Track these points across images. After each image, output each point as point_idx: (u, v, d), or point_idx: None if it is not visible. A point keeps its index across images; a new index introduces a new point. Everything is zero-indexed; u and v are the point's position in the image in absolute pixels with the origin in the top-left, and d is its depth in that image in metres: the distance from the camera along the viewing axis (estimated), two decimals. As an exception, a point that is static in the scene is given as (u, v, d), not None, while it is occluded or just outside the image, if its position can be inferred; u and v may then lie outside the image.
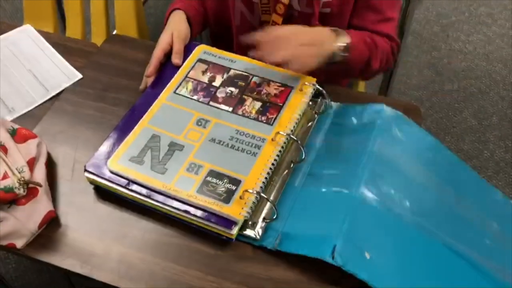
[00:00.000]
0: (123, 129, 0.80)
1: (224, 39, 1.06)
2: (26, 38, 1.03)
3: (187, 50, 0.92)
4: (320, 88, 0.85)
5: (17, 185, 0.69)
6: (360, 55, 0.89)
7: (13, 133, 0.79)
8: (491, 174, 1.74)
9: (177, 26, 0.92)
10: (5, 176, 0.71)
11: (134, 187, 0.74)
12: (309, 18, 0.93)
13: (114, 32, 1.40)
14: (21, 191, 0.69)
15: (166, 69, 0.90)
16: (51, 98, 0.92)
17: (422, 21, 2.29)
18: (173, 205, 0.72)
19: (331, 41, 0.84)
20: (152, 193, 0.73)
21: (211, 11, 1.02)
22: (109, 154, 0.77)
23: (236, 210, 0.70)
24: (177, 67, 0.89)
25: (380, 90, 1.74)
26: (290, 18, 0.95)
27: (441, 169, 0.83)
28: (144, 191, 0.73)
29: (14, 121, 0.88)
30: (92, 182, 0.77)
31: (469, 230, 0.79)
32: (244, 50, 0.92)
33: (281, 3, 0.92)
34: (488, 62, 2.11)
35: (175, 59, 0.89)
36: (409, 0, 1.54)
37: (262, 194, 0.71)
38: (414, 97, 1.95)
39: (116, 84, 0.93)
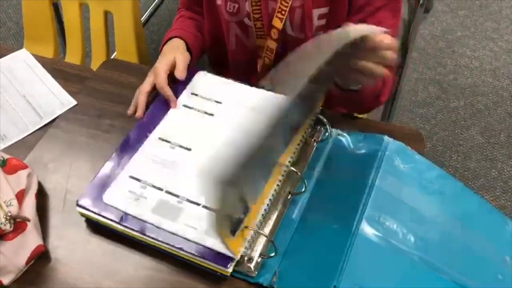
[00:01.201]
0: (117, 162, 0.78)
1: (223, 64, 1.04)
2: (22, 63, 1.02)
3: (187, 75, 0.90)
4: (321, 117, 0.83)
5: (3, 220, 0.67)
6: (374, 89, 0.87)
7: (3, 164, 0.77)
8: (499, 193, 1.70)
9: (177, 52, 0.89)
10: (-8, 210, 0.69)
11: (128, 221, 0.71)
12: (303, 43, 0.92)
13: (114, 54, 1.39)
14: (8, 227, 0.67)
15: (160, 101, 0.87)
16: (44, 125, 0.91)
17: (427, 37, 2.26)
18: (167, 241, 0.69)
19: None
20: (146, 227, 0.70)
21: (208, 36, 1.01)
22: (102, 189, 0.74)
23: (234, 246, 0.67)
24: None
25: (384, 109, 1.71)
26: (285, 42, 0.94)
27: (448, 201, 0.79)
28: (137, 226, 0.71)
29: (5, 149, 0.86)
30: (83, 215, 0.75)
31: (480, 265, 0.75)
32: (240, 75, 0.91)
33: (275, 28, 0.91)
34: (495, 78, 2.07)
35: (180, 73, 0.86)
36: (413, 16, 1.53)
37: (262, 232, 0.69)
38: (419, 115, 1.92)
39: (111, 111, 0.92)
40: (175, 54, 0.88)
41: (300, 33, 0.92)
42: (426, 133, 1.86)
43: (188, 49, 0.94)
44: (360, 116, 0.98)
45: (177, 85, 0.89)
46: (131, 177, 0.76)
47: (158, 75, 0.85)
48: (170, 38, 0.94)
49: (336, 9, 0.89)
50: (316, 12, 0.88)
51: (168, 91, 0.85)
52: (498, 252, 0.78)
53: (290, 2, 0.87)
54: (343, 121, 0.89)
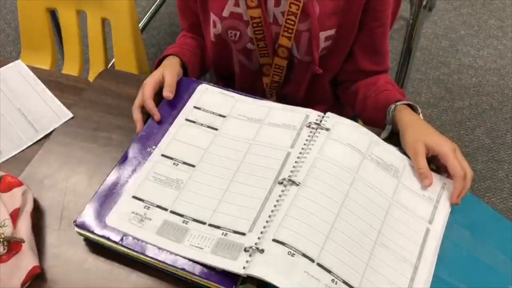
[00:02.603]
0: (117, 179, 0.76)
1: (228, 78, 1.03)
2: (17, 75, 1.00)
3: (185, 87, 0.88)
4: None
5: (-4, 243, 0.65)
6: None
7: (-3, 182, 0.75)
8: (507, 195, 1.67)
9: (166, 69, 0.88)
10: (-14, 231, 0.67)
11: (129, 242, 0.69)
12: (309, 64, 0.92)
13: (113, 61, 1.37)
14: (1, 250, 0.65)
15: (161, 110, 0.85)
16: (40, 139, 0.89)
17: (430, 36, 2.23)
18: (170, 262, 0.67)
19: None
20: (147, 248, 0.68)
21: (211, 59, 1.00)
22: (101, 208, 0.72)
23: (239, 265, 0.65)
24: (172, 106, 0.85)
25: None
26: (291, 63, 0.93)
27: (455, 210, 0.77)
28: (139, 247, 0.68)
29: (1, 165, 0.85)
30: (82, 234, 0.73)
31: (489, 275, 0.73)
32: (246, 91, 0.89)
33: (284, 47, 0.89)
34: (500, 77, 2.05)
35: (167, 92, 0.84)
36: (417, 16, 1.51)
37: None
38: (423, 115, 1.89)
39: (108, 123, 0.89)
40: (163, 70, 0.86)
41: (306, 55, 0.90)
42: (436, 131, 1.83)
43: (185, 67, 0.92)
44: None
45: (180, 98, 0.86)
46: (134, 197, 0.73)
47: (143, 89, 0.84)
48: (166, 56, 0.92)
49: (344, 30, 0.88)
50: (323, 35, 0.87)
51: (149, 105, 0.83)
52: (508, 262, 0.76)
53: (296, 21, 0.85)
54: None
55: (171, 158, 0.78)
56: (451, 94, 1.99)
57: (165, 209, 0.72)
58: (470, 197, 0.82)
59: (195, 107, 0.85)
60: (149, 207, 0.72)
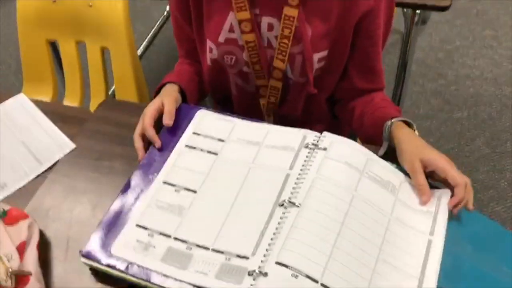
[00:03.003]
0: (120, 208, 0.77)
1: (226, 102, 1.05)
2: (20, 108, 1.02)
3: (184, 113, 0.90)
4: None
5: (4, 277, 0.66)
6: None
7: (3, 215, 0.76)
8: (510, 204, 1.67)
9: (165, 96, 0.89)
10: (-7, 265, 0.68)
11: (135, 270, 0.70)
12: (304, 85, 0.94)
13: (113, 88, 1.40)
14: (9, 284, 0.66)
15: (161, 137, 0.86)
16: (44, 171, 0.90)
17: (426, 48, 2.26)
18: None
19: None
20: (153, 275, 0.69)
21: (208, 83, 1.02)
22: (106, 237, 0.73)
23: None
24: (172, 133, 0.87)
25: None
26: (286, 84, 0.95)
27: (456, 224, 0.78)
28: (143, 274, 0.69)
29: (6, 198, 0.86)
30: (88, 264, 0.73)
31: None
32: (244, 112, 0.91)
33: (278, 69, 0.91)
34: (497, 87, 2.06)
35: (166, 120, 0.86)
36: (410, 30, 1.53)
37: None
38: (423, 128, 1.91)
39: (110, 152, 0.91)
40: (162, 98, 0.88)
41: (300, 77, 0.92)
42: (431, 146, 1.84)
43: (183, 93, 0.94)
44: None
45: (180, 125, 0.88)
46: (138, 225, 0.75)
47: (143, 117, 0.86)
48: (165, 84, 0.94)
49: (336, 51, 0.90)
50: (316, 56, 0.89)
51: (150, 132, 0.84)
52: (511, 273, 0.76)
53: (289, 43, 0.87)
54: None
55: (173, 185, 0.79)
56: (450, 105, 2.00)
57: (169, 236, 0.73)
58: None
59: (194, 133, 0.87)
60: (152, 235, 0.73)
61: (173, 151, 0.84)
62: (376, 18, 0.86)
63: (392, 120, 0.85)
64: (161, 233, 0.73)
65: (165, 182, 0.80)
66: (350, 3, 0.83)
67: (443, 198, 0.78)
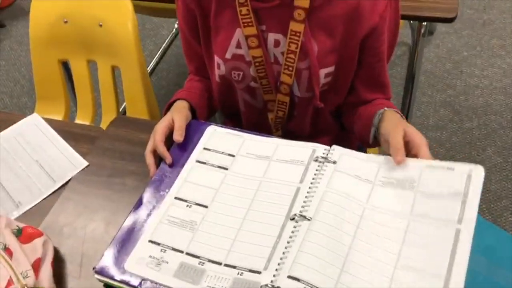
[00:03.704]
0: (133, 225, 0.78)
1: (235, 117, 1.07)
2: (33, 128, 1.04)
3: (195, 129, 0.91)
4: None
5: (20, 294, 0.67)
6: None
7: (18, 233, 0.77)
8: (524, 214, 1.65)
9: (175, 113, 0.91)
10: (9, 283, 0.69)
11: (147, 285, 0.70)
12: (310, 100, 0.95)
13: (124, 105, 1.42)
14: (25, 301, 0.67)
15: (172, 153, 0.87)
16: (58, 189, 0.92)
17: (434, 59, 2.26)
18: None
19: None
20: None
21: (217, 99, 1.03)
22: (119, 253, 0.74)
23: None
24: (183, 149, 0.88)
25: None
26: (293, 100, 0.96)
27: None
28: None
29: (20, 217, 0.87)
30: (101, 281, 0.74)
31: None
32: (253, 127, 0.91)
33: (285, 84, 0.92)
34: (507, 96, 2.05)
35: (177, 136, 0.87)
36: (417, 42, 1.53)
37: None
38: (433, 139, 1.91)
39: (122, 169, 0.92)
40: (173, 114, 0.89)
41: (307, 92, 0.93)
42: (441, 157, 1.84)
43: (193, 109, 0.95)
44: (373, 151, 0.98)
45: (190, 141, 0.89)
46: (151, 241, 0.75)
47: (154, 134, 0.87)
48: (176, 100, 0.96)
49: (343, 67, 0.91)
50: (323, 72, 0.90)
51: (161, 149, 0.85)
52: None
53: (295, 58, 0.88)
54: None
55: (184, 200, 0.80)
56: (459, 115, 2.00)
57: (181, 252, 0.73)
58: (483, 221, 0.81)
59: (205, 148, 0.88)
60: (165, 250, 0.74)
61: (184, 167, 0.85)
62: (381, 35, 0.87)
63: (386, 109, 0.87)
64: (173, 249, 0.74)
65: (176, 198, 0.81)
66: (355, 20, 0.84)
67: (473, 176, 0.72)
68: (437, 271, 0.66)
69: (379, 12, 0.84)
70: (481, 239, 0.78)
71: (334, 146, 0.83)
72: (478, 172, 0.71)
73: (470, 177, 0.71)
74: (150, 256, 0.73)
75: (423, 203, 0.72)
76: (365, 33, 0.86)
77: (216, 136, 0.90)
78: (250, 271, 0.70)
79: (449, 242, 0.68)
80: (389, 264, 0.69)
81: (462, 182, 0.71)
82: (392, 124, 0.83)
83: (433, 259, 0.67)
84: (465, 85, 2.13)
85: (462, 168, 0.72)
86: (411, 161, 0.76)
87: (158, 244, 0.75)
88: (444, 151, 1.87)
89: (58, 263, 0.79)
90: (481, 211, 1.66)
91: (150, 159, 0.86)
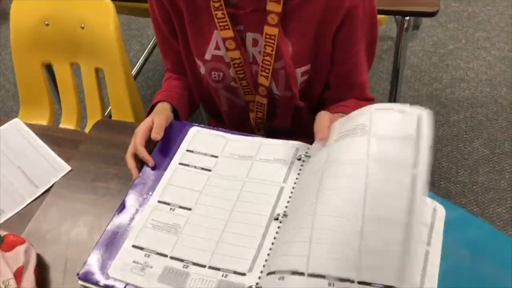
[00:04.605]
0: (116, 229, 0.77)
1: (218, 115, 1.06)
2: (15, 133, 1.03)
3: (178, 130, 0.90)
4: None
5: (2, 303, 0.66)
6: None
7: (0, 242, 0.77)
8: (511, 205, 1.67)
9: (156, 115, 0.90)
10: (-9, 292, 0.69)
11: None
12: (290, 99, 0.95)
13: (109, 108, 1.41)
14: (7, 310, 0.67)
15: (155, 155, 0.87)
16: (41, 195, 0.91)
17: (419, 53, 2.27)
18: None
19: None
20: None
21: (198, 96, 1.03)
22: (103, 258, 0.74)
23: None
24: (166, 151, 0.87)
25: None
26: (273, 99, 0.96)
27: (453, 230, 0.78)
28: None
29: (3, 224, 0.87)
30: (86, 287, 0.74)
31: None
32: (235, 126, 0.91)
33: (262, 86, 0.92)
34: (492, 88, 2.07)
35: (154, 134, 0.86)
36: (401, 36, 1.54)
37: None
38: (420, 132, 1.91)
39: (105, 173, 0.92)
40: (153, 116, 0.89)
41: (286, 91, 0.93)
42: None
43: (175, 109, 0.95)
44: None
45: (173, 142, 0.88)
46: (134, 246, 0.75)
47: (135, 137, 0.86)
48: (157, 103, 0.95)
49: (318, 64, 0.91)
50: (299, 71, 0.90)
51: (142, 152, 0.85)
52: (510, 277, 0.76)
53: (271, 61, 0.88)
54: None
55: (168, 204, 0.80)
56: (446, 108, 2.01)
57: (165, 256, 0.73)
58: (466, 215, 0.82)
59: (187, 150, 0.87)
60: (149, 255, 0.73)
61: (167, 169, 0.85)
62: (351, 31, 0.86)
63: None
64: (157, 253, 0.73)
65: (160, 201, 0.80)
66: (326, 18, 0.84)
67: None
68: (399, 218, 0.61)
69: (345, 7, 0.83)
70: (465, 232, 0.79)
71: (314, 144, 0.83)
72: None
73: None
74: (134, 261, 0.73)
75: (378, 146, 0.67)
76: (335, 29, 0.86)
77: (199, 138, 0.89)
78: (235, 273, 0.69)
79: (407, 188, 0.63)
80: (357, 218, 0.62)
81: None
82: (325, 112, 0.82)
83: (394, 206, 0.62)
84: (451, 78, 2.14)
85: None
86: (359, 110, 0.73)
87: (142, 249, 0.74)
88: (431, 144, 1.87)
89: (42, 269, 0.78)
90: (468, 203, 1.67)
91: (131, 163, 0.85)
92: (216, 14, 0.86)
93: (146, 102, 1.43)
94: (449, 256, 0.75)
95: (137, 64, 2.38)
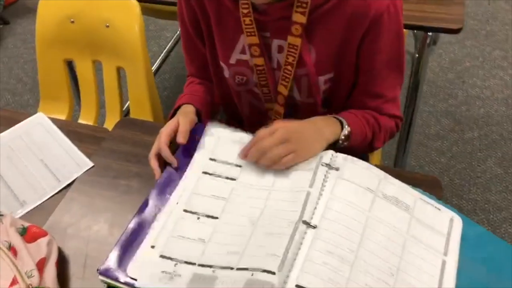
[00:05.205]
0: (137, 228, 0.78)
1: (238, 119, 1.07)
2: (39, 127, 1.04)
3: (200, 133, 0.91)
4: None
5: (25, 294, 0.67)
6: (362, 140, 0.91)
7: (23, 232, 0.77)
8: (523, 226, 1.66)
9: (181, 116, 0.91)
10: (13, 282, 0.69)
11: None
12: (313, 106, 0.95)
13: (127, 105, 1.42)
14: (29, 301, 0.67)
15: (178, 156, 0.87)
16: (62, 189, 0.92)
17: (436, 69, 2.27)
18: None
19: (329, 131, 0.86)
20: None
21: (220, 100, 1.03)
22: (124, 256, 0.74)
23: None
24: (188, 152, 0.88)
25: (398, 144, 1.71)
26: (294, 106, 0.96)
27: (470, 247, 0.78)
28: None
29: (25, 216, 0.87)
30: (105, 282, 0.74)
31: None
32: (255, 131, 0.92)
33: (281, 94, 0.93)
34: (508, 107, 2.06)
35: (180, 138, 0.87)
36: (422, 51, 1.54)
37: None
38: (434, 148, 1.91)
39: (127, 171, 0.93)
40: (179, 118, 0.89)
41: (308, 97, 0.94)
42: (442, 166, 1.84)
43: (198, 113, 0.96)
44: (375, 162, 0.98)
45: (196, 144, 0.89)
46: (162, 256, 0.74)
47: (159, 138, 0.87)
48: (180, 106, 0.96)
49: (341, 73, 0.91)
50: (322, 78, 0.90)
51: (165, 152, 0.85)
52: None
53: (292, 70, 0.89)
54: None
55: (194, 213, 0.80)
56: (460, 125, 2.01)
57: (193, 264, 0.73)
58: (484, 232, 0.82)
59: (210, 159, 0.88)
60: (177, 264, 0.73)
61: (190, 177, 0.84)
62: (374, 42, 0.86)
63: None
64: (185, 262, 0.73)
65: (185, 211, 0.80)
66: (351, 25, 0.84)
67: (454, 220, 0.79)
68: None
69: (371, 15, 0.83)
70: (482, 249, 0.79)
71: (337, 154, 0.84)
72: (457, 221, 0.80)
73: (452, 221, 0.80)
74: (162, 272, 0.72)
75: (417, 228, 0.77)
76: (360, 37, 0.86)
77: (221, 145, 0.89)
78: (264, 271, 0.69)
79: (437, 268, 0.74)
80: (391, 275, 0.70)
81: (445, 225, 0.79)
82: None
83: (426, 280, 0.72)
84: (467, 95, 2.14)
85: (446, 212, 0.81)
86: (404, 187, 0.81)
87: (171, 259, 0.74)
88: (445, 160, 1.87)
89: (62, 263, 0.79)
90: (480, 221, 1.67)
91: (154, 163, 0.86)
92: (244, 20, 0.87)
93: (162, 103, 1.44)
94: (465, 272, 0.75)
95: (154, 65, 2.40)
